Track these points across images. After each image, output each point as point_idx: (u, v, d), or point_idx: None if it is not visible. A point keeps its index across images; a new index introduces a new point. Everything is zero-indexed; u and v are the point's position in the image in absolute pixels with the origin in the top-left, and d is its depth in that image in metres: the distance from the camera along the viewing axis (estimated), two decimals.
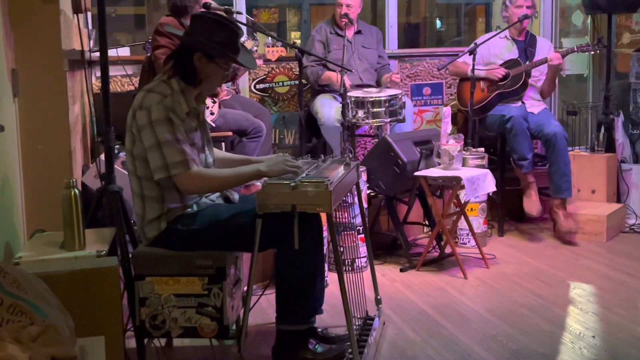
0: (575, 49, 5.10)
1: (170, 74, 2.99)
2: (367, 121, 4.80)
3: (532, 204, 5.00)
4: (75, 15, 4.01)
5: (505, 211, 5.22)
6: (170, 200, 2.96)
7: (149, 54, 4.63)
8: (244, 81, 5.48)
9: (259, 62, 5.01)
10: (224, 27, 2.97)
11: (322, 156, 3.44)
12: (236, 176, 3.00)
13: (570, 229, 4.93)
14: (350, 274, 3.33)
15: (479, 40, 5.18)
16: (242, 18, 5.01)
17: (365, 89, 5.06)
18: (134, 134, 2.92)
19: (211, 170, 3.05)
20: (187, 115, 2.96)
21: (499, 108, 5.14)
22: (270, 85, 5.58)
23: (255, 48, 4.82)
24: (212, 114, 4.58)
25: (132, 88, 5.13)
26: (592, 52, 5.41)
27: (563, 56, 5.10)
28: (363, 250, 4.30)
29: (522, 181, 5.05)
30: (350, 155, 3.73)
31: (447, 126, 4.46)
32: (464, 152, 4.49)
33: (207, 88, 3.12)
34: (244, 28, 4.95)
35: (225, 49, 2.97)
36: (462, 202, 4.56)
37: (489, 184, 4.41)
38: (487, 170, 4.47)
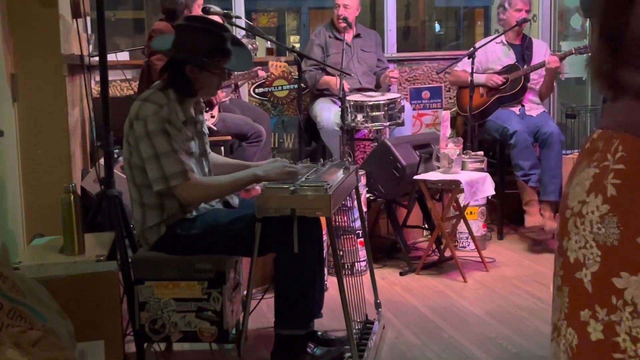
0: (574, 51, 5.10)
1: (165, 84, 2.98)
2: (366, 125, 4.80)
3: (537, 219, 4.91)
4: (74, 19, 4.02)
5: (504, 214, 5.22)
6: (170, 208, 2.96)
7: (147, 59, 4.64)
8: (244, 85, 5.49)
9: (262, 73, 5.00)
10: (209, 34, 2.93)
11: (322, 160, 3.44)
12: (234, 182, 3.00)
13: (552, 229, 4.87)
14: (350, 278, 3.33)
15: (477, 45, 5.19)
16: (241, 22, 5.01)
17: (364, 93, 5.07)
18: (131, 144, 2.91)
19: (208, 179, 3.04)
20: (183, 124, 2.95)
21: (499, 115, 5.13)
22: (270, 90, 5.58)
23: (254, 53, 4.83)
24: (212, 117, 4.59)
25: (132, 92, 5.13)
26: (590, 54, 5.41)
27: (561, 59, 5.11)
28: (362, 254, 4.30)
29: (524, 195, 4.95)
30: (350, 159, 3.73)
31: (446, 130, 4.47)
32: (463, 155, 4.49)
33: (206, 94, 3.12)
34: (242, 32, 4.96)
35: (213, 57, 2.94)
36: (462, 205, 4.56)
37: (488, 188, 4.41)
38: (486, 174, 4.47)
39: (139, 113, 2.89)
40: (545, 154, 4.91)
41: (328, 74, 5.18)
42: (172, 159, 2.85)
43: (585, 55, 5.42)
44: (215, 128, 4.53)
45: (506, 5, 5.29)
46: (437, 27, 9.95)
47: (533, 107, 5.24)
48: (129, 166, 2.96)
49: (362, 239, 4.27)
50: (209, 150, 3.22)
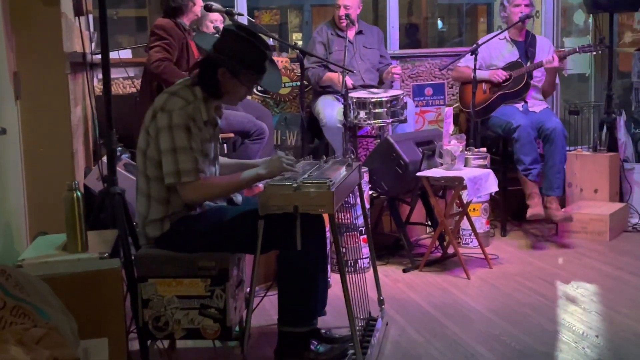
0: (577, 50, 5.09)
1: (194, 81, 3.00)
2: (369, 122, 4.80)
3: (537, 209, 4.92)
4: (76, 17, 4.02)
5: (507, 211, 5.22)
6: (175, 204, 2.96)
7: None
8: None
9: None
10: (253, 47, 2.97)
11: (324, 157, 3.44)
12: (238, 183, 3.01)
13: (565, 216, 4.89)
14: (353, 275, 3.33)
15: (480, 41, 5.18)
16: (244, 20, 5.01)
17: (367, 90, 5.06)
18: (150, 134, 2.93)
19: (214, 179, 3.05)
20: (205, 125, 2.97)
21: (503, 110, 5.12)
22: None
23: None
24: None
25: (134, 90, 5.13)
26: (594, 53, 5.39)
27: (564, 57, 5.09)
28: (365, 251, 4.30)
29: (525, 189, 4.96)
30: (352, 156, 3.72)
31: (449, 126, 4.46)
32: (466, 152, 4.49)
33: (229, 101, 3.14)
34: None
35: (250, 69, 2.97)
36: (465, 202, 4.55)
37: (491, 184, 4.41)
38: (489, 171, 4.47)
39: (165, 105, 2.91)
40: (549, 150, 4.90)
41: (331, 71, 5.17)
42: (188, 156, 2.86)
43: (589, 53, 5.41)
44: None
45: (505, 2, 5.28)
46: (440, 23, 9.93)
47: (536, 104, 5.23)
48: (144, 157, 2.97)
49: (365, 236, 4.27)
50: (219, 155, 3.23)
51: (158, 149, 2.90)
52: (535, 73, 5.22)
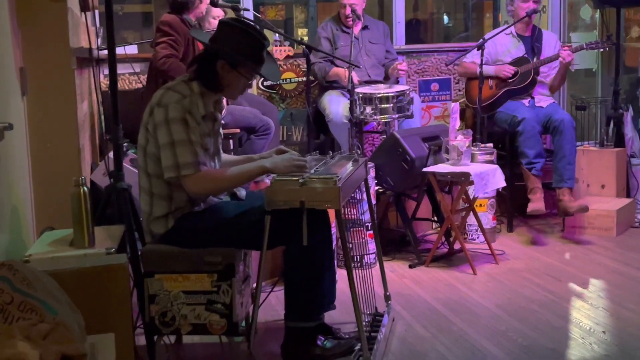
0: (585, 47, 5.07)
1: (192, 76, 2.99)
2: (375, 117, 4.79)
3: (538, 204, 4.91)
4: (82, 13, 4.02)
5: (514, 207, 5.20)
6: (179, 199, 2.96)
7: None
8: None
9: None
10: (250, 37, 2.96)
11: (330, 152, 3.43)
12: (242, 175, 3.00)
13: (580, 206, 4.82)
14: (359, 271, 3.32)
15: (486, 36, 5.16)
16: (249, 15, 5.00)
17: (373, 85, 5.05)
18: (149, 131, 2.92)
19: (217, 171, 3.05)
20: (203, 119, 2.96)
21: (509, 105, 5.11)
22: (278, 82, 5.57)
23: None
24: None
25: (140, 86, 5.14)
26: (601, 50, 5.36)
27: (573, 52, 5.07)
28: (372, 246, 4.30)
29: (528, 183, 4.94)
30: (359, 152, 3.72)
31: (455, 122, 4.45)
32: (472, 147, 4.48)
33: (228, 95, 3.13)
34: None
35: (248, 59, 2.96)
36: (471, 198, 4.55)
37: (498, 180, 4.40)
38: (496, 166, 4.46)
39: (161, 100, 2.91)
40: (558, 141, 4.88)
41: (337, 66, 5.16)
42: (187, 149, 2.86)
43: (595, 50, 5.39)
44: (223, 121, 4.52)
45: None
46: (446, 19, 9.91)
47: (542, 99, 5.22)
48: (144, 154, 2.96)
49: (371, 232, 4.26)
50: (221, 151, 3.23)
51: (157, 145, 2.90)
52: (542, 69, 5.20)
